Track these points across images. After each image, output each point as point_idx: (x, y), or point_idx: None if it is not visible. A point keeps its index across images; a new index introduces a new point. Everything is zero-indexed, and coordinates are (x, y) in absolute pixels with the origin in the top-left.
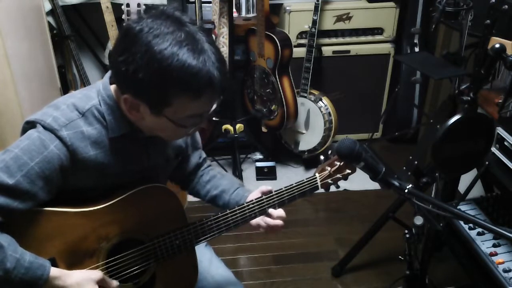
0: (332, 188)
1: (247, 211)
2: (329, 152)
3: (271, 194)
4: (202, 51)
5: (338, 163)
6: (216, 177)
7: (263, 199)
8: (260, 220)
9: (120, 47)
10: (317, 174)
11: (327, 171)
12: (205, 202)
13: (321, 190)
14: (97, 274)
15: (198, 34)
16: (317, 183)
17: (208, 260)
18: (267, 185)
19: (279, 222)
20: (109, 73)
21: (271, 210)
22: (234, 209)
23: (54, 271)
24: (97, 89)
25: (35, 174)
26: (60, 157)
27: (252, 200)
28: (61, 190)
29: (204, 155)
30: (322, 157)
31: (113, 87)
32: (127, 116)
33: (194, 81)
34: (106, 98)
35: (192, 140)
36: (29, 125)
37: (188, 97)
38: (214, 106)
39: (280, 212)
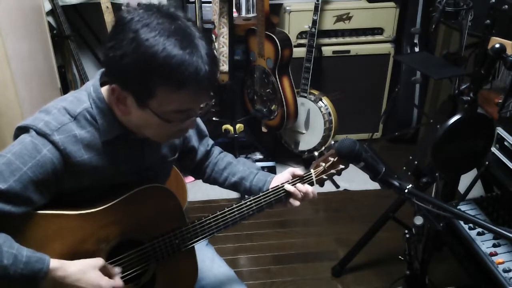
0: (332, 188)
1: (245, 208)
2: (323, 148)
3: (268, 191)
4: (191, 43)
5: (332, 159)
6: (232, 164)
7: (260, 196)
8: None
9: (110, 34)
10: (312, 170)
11: (321, 167)
12: (224, 188)
13: (316, 186)
14: (99, 261)
15: (190, 29)
16: (312, 179)
17: (210, 259)
18: (297, 169)
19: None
20: (98, 74)
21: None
22: (231, 208)
23: (54, 263)
24: (88, 92)
25: (28, 179)
26: (53, 162)
27: (250, 198)
28: (59, 192)
29: (211, 141)
30: (316, 153)
31: (104, 89)
32: (119, 118)
33: (178, 71)
34: (97, 101)
35: (197, 129)
36: (21, 130)
37: (171, 88)
38: (202, 105)
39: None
